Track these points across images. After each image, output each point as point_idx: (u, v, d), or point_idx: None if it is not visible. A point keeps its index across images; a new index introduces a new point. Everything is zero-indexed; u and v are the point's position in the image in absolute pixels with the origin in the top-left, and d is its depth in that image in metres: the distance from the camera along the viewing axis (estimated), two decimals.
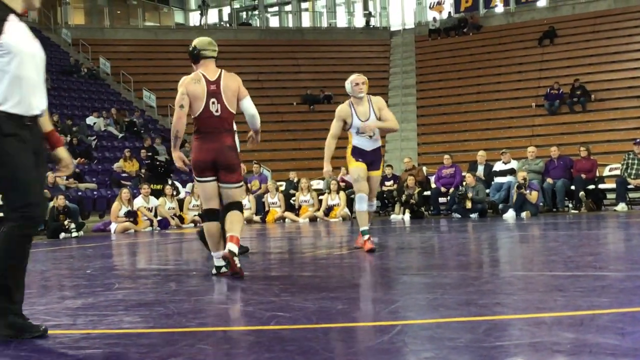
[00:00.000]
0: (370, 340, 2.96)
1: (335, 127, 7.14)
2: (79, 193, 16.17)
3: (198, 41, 5.69)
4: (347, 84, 7.16)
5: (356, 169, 7.11)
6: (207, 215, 5.69)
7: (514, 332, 3.10)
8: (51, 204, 13.06)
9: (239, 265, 5.33)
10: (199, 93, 5.43)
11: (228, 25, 33.95)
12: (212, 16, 35.93)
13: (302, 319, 3.64)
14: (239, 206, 5.63)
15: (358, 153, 7.14)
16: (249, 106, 5.63)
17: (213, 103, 5.43)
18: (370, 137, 7.12)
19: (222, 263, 5.48)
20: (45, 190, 13.91)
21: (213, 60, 5.63)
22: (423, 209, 14.55)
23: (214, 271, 5.63)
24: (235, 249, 5.38)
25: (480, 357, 2.63)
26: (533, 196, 12.96)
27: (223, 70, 5.64)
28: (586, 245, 7.11)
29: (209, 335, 3.44)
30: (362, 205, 7.13)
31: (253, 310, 4.03)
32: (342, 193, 15.14)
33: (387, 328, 3.23)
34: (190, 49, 5.65)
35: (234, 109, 5.56)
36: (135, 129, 22.10)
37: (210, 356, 3.00)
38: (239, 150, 5.91)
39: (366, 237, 7.01)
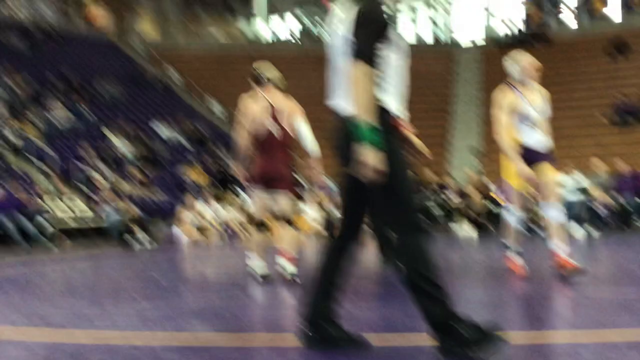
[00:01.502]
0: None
1: (505, 119, 5.70)
2: (149, 201, 16.59)
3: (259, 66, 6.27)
4: (513, 65, 5.91)
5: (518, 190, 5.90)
6: (257, 225, 6.13)
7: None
8: (124, 215, 13.47)
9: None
10: (256, 113, 6.00)
11: (297, 38, 34.23)
12: (280, 26, 36.22)
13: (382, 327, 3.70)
14: (290, 222, 6.04)
15: (528, 155, 5.70)
16: (302, 128, 6.06)
17: (268, 123, 5.97)
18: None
19: (263, 270, 5.99)
20: (119, 202, 14.45)
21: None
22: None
23: (258, 279, 6.00)
24: (292, 270, 5.85)
25: None
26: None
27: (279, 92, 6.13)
28: None
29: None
30: (510, 218, 5.97)
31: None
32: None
33: None
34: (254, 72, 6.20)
35: (291, 130, 6.04)
36: (203, 140, 22.54)
37: None
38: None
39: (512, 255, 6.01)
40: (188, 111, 25.39)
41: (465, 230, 14.32)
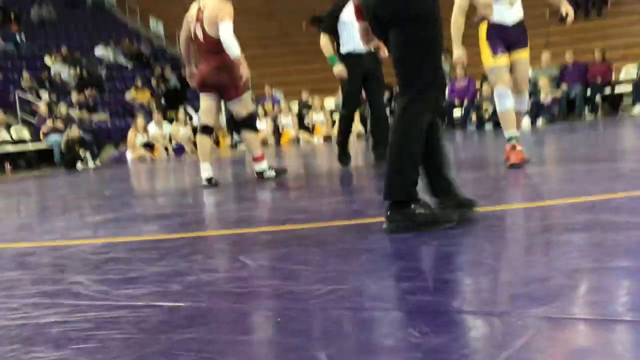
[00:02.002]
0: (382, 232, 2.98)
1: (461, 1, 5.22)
2: (93, 125, 16.20)
3: None
4: None
5: (494, 68, 5.34)
6: (201, 129, 6.15)
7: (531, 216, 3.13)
8: (65, 135, 13.11)
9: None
10: (190, 18, 6.01)
11: None
12: None
13: (317, 219, 3.68)
14: (246, 124, 6.07)
15: (496, 33, 5.27)
16: (221, 32, 5.85)
17: (196, 28, 5.95)
18: (512, 4, 5.28)
19: (210, 175, 5.93)
20: (59, 123, 14.07)
21: None
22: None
23: (204, 182, 5.95)
24: (260, 168, 6.06)
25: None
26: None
27: None
28: (601, 144, 7.07)
29: (226, 237, 3.49)
30: (504, 102, 5.33)
31: (270, 215, 4.07)
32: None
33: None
34: None
35: (214, 34, 5.87)
36: (144, 58, 21.94)
37: (227, 252, 3.05)
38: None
39: (512, 143, 5.25)
40: (127, 31, 24.64)
41: None
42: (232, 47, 5.77)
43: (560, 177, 4.60)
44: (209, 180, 5.95)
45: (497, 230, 2.88)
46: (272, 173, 6.11)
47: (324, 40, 6.68)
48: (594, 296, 1.79)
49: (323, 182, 5.94)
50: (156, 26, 25.13)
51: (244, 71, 5.80)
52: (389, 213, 2.94)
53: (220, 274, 2.57)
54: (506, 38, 5.27)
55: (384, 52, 6.48)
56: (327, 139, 15.05)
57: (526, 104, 5.66)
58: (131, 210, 5.12)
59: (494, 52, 5.27)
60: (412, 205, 2.91)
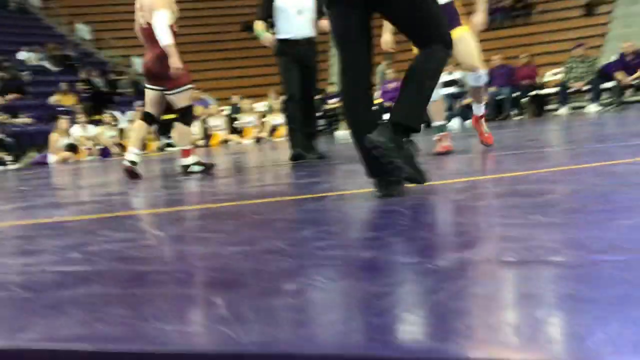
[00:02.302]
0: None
1: None
2: (14, 128, 15.64)
3: None
4: None
5: None
6: (143, 115, 6.08)
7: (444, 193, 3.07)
8: None
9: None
10: (136, 7, 5.95)
11: None
12: None
13: (237, 199, 3.57)
14: (182, 118, 5.95)
15: None
16: (153, 20, 5.76)
17: (141, 17, 5.88)
18: None
19: (136, 158, 5.82)
20: None
21: None
22: None
23: (126, 163, 5.81)
24: (186, 162, 5.89)
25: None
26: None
27: None
28: (526, 137, 7.17)
29: (142, 216, 3.34)
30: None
31: (190, 199, 3.94)
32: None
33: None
34: None
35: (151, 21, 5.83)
36: (70, 62, 21.38)
37: (139, 227, 2.90)
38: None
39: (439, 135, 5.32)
40: (52, 35, 24.01)
41: (344, 130, 14.33)
42: (162, 35, 5.64)
43: (487, 161, 4.59)
44: (133, 163, 5.73)
45: (425, 200, 2.79)
46: (198, 167, 5.91)
47: (259, 25, 6.52)
48: (514, 243, 1.71)
49: (250, 174, 5.81)
50: (82, 31, 24.57)
51: (174, 62, 5.65)
52: (390, 135, 2.66)
53: (125, 243, 2.40)
54: None
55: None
56: (258, 140, 14.91)
57: (483, 78, 5.39)
58: (45, 199, 4.88)
59: None
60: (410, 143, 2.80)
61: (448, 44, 2.94)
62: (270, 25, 6.50)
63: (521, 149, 5.36)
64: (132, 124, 12.62)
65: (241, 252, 1.93)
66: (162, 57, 5.71)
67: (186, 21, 25.35)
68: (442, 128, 5.38)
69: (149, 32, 5.79)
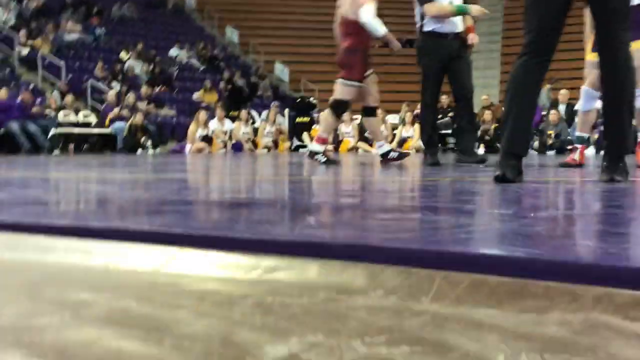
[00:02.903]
0: None
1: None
2: (159, 119, 16.49)
3: None
4: None
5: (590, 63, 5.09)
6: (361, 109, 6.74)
7: None
8: (129, 121, 13.37)
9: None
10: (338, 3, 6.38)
11: None
12: None
13: None
14: (334, 107, 6.24)
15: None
16: (360, 15, 6.04)
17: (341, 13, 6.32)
18: None
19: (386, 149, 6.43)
20: (125, 110, 14.39)
21: None
22: (499, 145, 14.23)
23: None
24: (315, 148, 6.22)
25: None
26: None
27: None
28: None
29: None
30: (587, 103, 5.34)
31: None
32: (416, 125, 14.95)
33: None
34: None
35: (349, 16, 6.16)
36: (216, 62, 22.32)
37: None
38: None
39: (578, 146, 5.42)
40: (203, 36, 25.16)
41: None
42: (375, 27, 5.98)
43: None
44: (385, 154, 6.45)
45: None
46: (323, 158, 6.08)
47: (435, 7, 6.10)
48: None
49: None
50: (231, 34, 25.58)
51: (395, 45, 6.17)
52: (617, 165, 3.05)
53: None
54: None
55: (474, 39, 6.20)
56: None
57: None
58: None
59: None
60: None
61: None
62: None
63: None
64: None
65: None
66: (349, 50, 6.11)
67: (328, 32, 25.97)
68: (582, 140, 5.30)
69: (343, 25, 6.18)
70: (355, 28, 6.06)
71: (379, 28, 5.95)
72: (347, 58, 6.12)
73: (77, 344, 0.74)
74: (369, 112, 6.39)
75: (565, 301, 0.95)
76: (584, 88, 5.20)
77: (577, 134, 5.37)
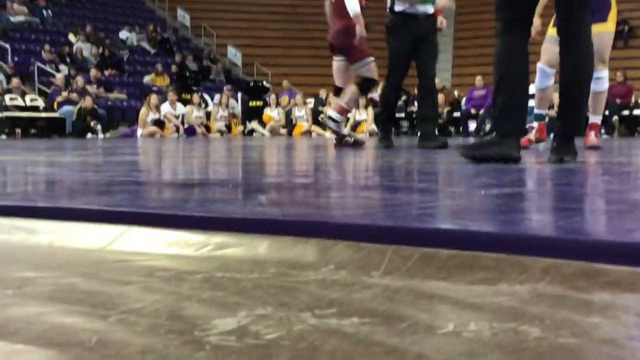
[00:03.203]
0: None
1: None
2: (109, 102, 16.22)
3: None
4: None
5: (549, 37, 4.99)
6: (334, 90, 6.59)
7: None
8: (78, 105, 13.12)
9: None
10: None
11: None
12: None
13: None
14: (361, 84, 6.15)
15: None
16: None
17: None
18: None
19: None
20: (73, 94, 14.12)
21: None
22: (452, 128, 14.37)
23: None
24: (333, 114, 6.11)
25: None
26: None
27: None
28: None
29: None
30: (541, 80, 5.23)
31: None
32: (370, 109, 14.98)
33: None
34: None
35: None
36: (168, 45, 22.02)
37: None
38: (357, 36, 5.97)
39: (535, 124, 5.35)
40: (154, 18, 24.79)
41: None
42: (352, 4, 5.87)
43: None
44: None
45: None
46: (351, 139, 6.24)
47: None
48: None
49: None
50: (183, 17, 25.26)
51: (361, 31, 5.86)
52: (568, 146, 3.11)
53: None
54: None
55: (442, 22, 6.12)
56: None
57: (600, 82, 5.04)
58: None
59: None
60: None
61: None
62: None
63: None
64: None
65: None
66: (344, 30, 5.96)
67: (282, 16, 25.92)
68: (540, 117, 5.35)
69: (335, 6, 6.07)
70: (346, 9, 5.97)
71: (353, 6, 5.84)
72: (343, 40, 6.00)
73: (20, 320, 0.72)
74: (338, 91, 6.34)
75: (515, 272, 0.96)
76: (539, 65, 5.08)
77: (536, 111, 5.36)
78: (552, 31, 4.80)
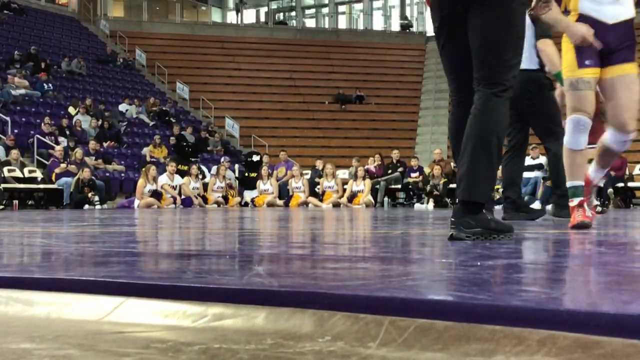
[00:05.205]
0: None
1: None
2: (107, 174, 16.29)
3: None
4: None
5: (580, 79, 3.76)
6: None
7: None
8: (77, 176, 13.18)
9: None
10: None
11: (265, 24, 34.07)
12: (250, 16, 36.20)
13: None
14: None
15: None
16: None
17: None
18: None
19: None
20: (72, 166, 14.17)
21: None
22: (449, 200, 14.40)
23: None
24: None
25: None
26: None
27: None
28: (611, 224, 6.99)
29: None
30: (575, 138, 3.81)
31: None
32: (367, 180, 15.05)
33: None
34: None
35: None
36: (167, 118, 22.26)
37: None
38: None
39: (576, 201, 3.85)
40: (153, 91, 25.16)
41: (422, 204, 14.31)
42: None
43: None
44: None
45: None
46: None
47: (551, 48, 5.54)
48: None
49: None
50: (182, 89, 25.65)
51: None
52: (460, 218, 2.62)
53: None
54: (604, 42, 3.74)
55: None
56: (336, 205, 14.96)
57: (629, 140, 3.89)
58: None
59: (580, 60, 3.77)
60: (484, 210, 2.66)
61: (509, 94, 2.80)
62: None
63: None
64: None
65: None
66: None
67: (280, 89, 26.32)
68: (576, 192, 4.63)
69: None
70: None
71: None
72: None
73: None
74: None
75: (511, 344, 0.96)
76: (575, 118, 4.10)
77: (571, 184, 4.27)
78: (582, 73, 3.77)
